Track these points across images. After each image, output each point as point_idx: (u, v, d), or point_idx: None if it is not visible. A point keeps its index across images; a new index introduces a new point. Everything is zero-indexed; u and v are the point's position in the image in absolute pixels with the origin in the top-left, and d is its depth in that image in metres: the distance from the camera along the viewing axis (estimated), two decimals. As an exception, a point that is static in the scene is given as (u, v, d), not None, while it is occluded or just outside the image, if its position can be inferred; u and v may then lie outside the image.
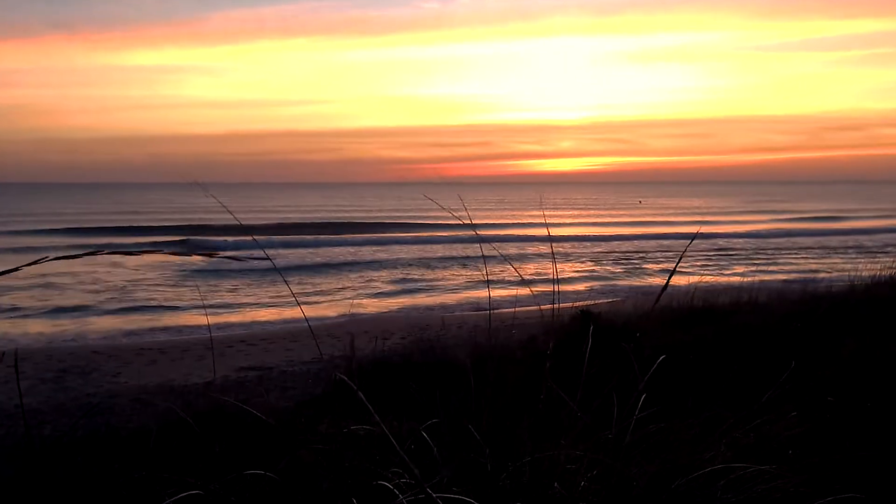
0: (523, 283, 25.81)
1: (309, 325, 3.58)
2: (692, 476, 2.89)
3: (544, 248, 37.90)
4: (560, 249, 38.40)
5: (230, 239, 39.82)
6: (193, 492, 2.84)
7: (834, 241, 44.89)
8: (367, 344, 8.28)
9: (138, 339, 17.05)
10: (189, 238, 43.01)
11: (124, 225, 53.46)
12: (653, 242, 44.42)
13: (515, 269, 27.50)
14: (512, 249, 39.09)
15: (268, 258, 2.86)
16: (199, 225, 51.32)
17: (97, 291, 23.97)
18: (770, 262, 34.22)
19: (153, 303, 22.08)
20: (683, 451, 3.12)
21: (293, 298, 21.92)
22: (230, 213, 3.22)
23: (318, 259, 34.99)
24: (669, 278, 3.26)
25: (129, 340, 16.80)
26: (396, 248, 40.87)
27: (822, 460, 3.37)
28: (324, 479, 3.11)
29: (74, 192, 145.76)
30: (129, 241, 42.26)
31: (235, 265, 31.61)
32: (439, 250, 39.23)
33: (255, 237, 3.76)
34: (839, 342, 6.36)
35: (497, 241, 42.54)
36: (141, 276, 27.49)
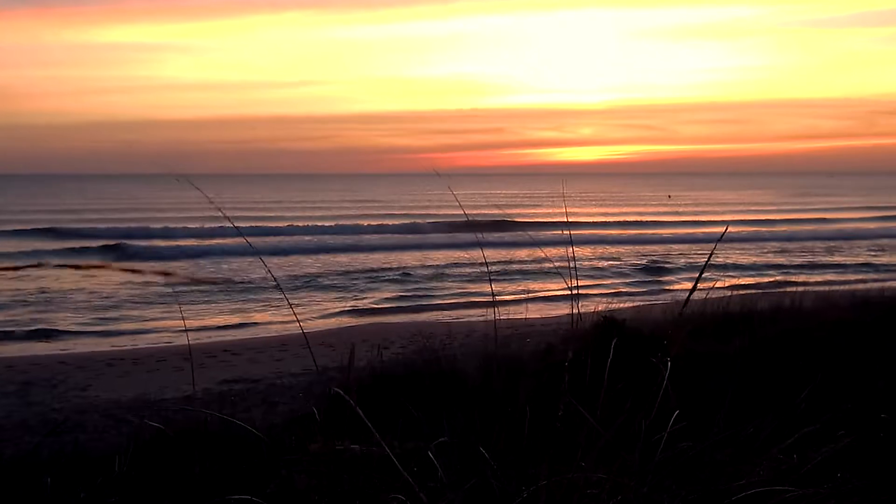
0: (539, 286, 25.83)
1: (303, 332, 3.59)
2: (728, 501, 2.89)
3: (563, 247, 37.68)
4: (579, 249, 38.34)
5: (181, 243, 38.89)
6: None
7: (889, 241, 44.72)
8: (366, 354, 8.29)
9: (109, 347, 17.10)
10: (123, 242, 39.59)
11: (59, 226, 48.87)
12: (684, 241, 44.35)
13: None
14: (526, 249, 39.06)
15: (259, 258, 2.87)
16: (141, 228, 48.36)
17: (57, 297, 24.05)
18: (815, 262, 34.15)
19: (124, 309, 22.15)
20: (718, 473, 3.12)
21: (281, 302, 21.96)
22: (219, 209, 3.24)
23: (310, 258, 35.04)
24: (697, 282, 3.26)
25: (98, 349, 16.84)
26: (397, 246, 40.86)
27: (874, 484, 3.37)
28: (317, 505, 3.12)
29: (33, 184, 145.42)
30: (58, 246, 39.43)
31: (217, 267, 31.67)
32: (444, 248, 39.22)
33: (247, 239, 3.77)
34: (893, 352, 6.34)
35: (509, 238, 42.54)
36: (105, 281, 27.55)
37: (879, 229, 51.17)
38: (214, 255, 34.85)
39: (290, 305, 3.62)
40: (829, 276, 29.54)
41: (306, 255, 36.16)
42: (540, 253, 36.76)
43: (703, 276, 3.40)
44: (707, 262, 3.36)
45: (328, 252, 37.75)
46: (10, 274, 28.75)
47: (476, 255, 33.10)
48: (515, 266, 31.32)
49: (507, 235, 41.84)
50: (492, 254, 32.35)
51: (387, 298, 24.54)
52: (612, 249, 39.76)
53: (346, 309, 22.47)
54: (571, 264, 3.76)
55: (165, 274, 29.40)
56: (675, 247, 42.05)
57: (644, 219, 60.64)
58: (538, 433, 3.17)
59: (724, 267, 31.29)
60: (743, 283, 24.43)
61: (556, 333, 8.74)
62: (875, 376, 5.59)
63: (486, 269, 28.86)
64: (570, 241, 4.10)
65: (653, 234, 49.22)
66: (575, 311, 4.07)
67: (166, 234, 44.63)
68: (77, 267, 29.84)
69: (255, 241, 39.39)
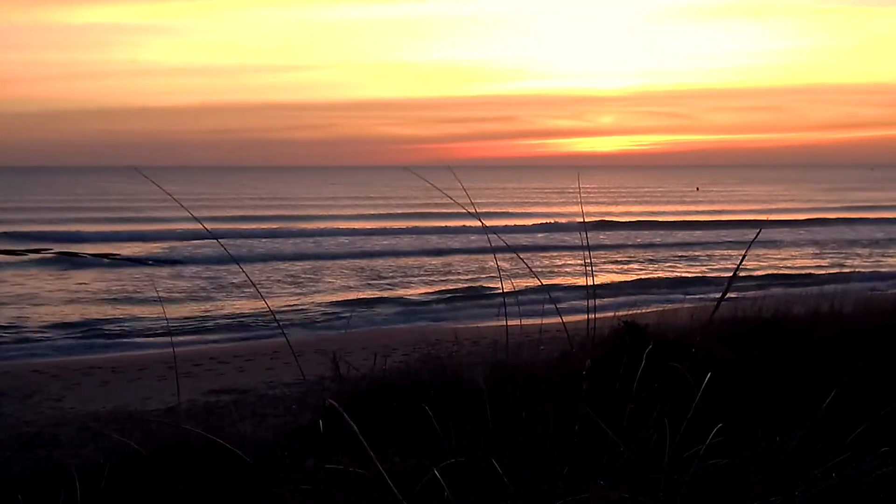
0: (554, 287, 25.82)
1: (288, 341, 3.59)
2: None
3: (580, 244, 37.66)
4: (600, 249, 38.31)
5: (163, 245, 38.34)
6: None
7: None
8: (364, 362, 8.30)
9: (86, 355, 17.13)
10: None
11: (18, 230, 46.01)
12: (712, 238, 44.30)
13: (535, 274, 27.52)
14: (541, 247, 39.06)
15: (236, 260, 2.86)
16: (116, 230, 47.70)
17: (26, 299, 24.10)
18: (856, 263, 34.06)
19: (100, 313, 22.19)
20: (750, 493, 3.11)
21: (273, 307, 21.98)
22: (188, 210, 3.23)
23: (304, 259, 35.04)
24: (729, 284, 3.24)
25: (75, 357, 16.88)
26: (399, 244, 40.89)
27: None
28: (311, 526, 3.12)
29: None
30: (23, 247, 38.07)
31: (205, 268, 31.71)
32: (452, 247, 39.23)
33: (220, 240, 3.75)
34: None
35: (523, 236, 42.54)
36: (80, 285, 27.60)
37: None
38: (200, 257, 34.89)
39: (273, 312, 3.60)
40: (873, 272, 29.55)
41: (302, 260, 36.12)
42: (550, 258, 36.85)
43: (733, 279, 3.39)
44: (739, 265, 3.35)
45: (323, 254, 37.76)
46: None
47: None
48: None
49: (523, 238, 41.88)
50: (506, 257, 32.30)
51: (388, 303, 24.57)
52: (639, 253, 39.69)
53: (346, 314, 22.48)
54: (585, 265, 3.76)
55: (146, 277, 29.42)
56: (702, 239, 42.07)
57: (674, 219, 59.88)
58: (554, 448, 3.17)
59: (756, 264, 31.25)
60: (776, 285, 24.40)
61: (572, 340, 8.73)
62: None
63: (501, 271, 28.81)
64: (588, 243, 4.09)
65: (683, 233, 49.15)
66: (592, 315, 4.06)
67: (146, 236, 44.34)
68: (47, 269, 29.87)
69: (248, 243, 39.43)
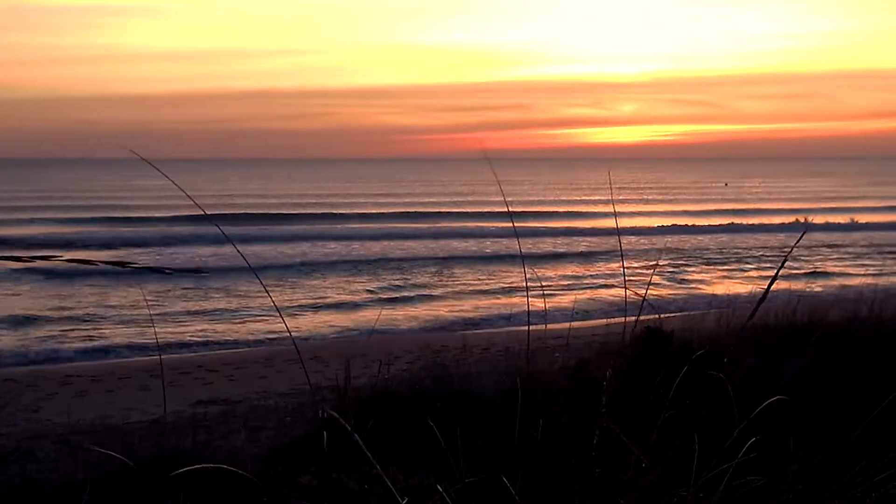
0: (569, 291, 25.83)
1: (297, 347, 3.60)
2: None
3: (595, 246, 37.84)
4: (606, 252, 38.33)
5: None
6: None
7: None
8: (364, 370, 8.32)
9: (63, 363, 17.17)
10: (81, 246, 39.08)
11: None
12: (741, 238, 44.29)
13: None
14: (551, 246, 39.10)
15: (248, 263, 2.87)
16: (100, 230, 47.29)
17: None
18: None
19: (81, 315, 22.25)
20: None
21: (265, 311, 22.02)
22: (201, 208, 3.25)
23: (300, 260, 35.08)
24: (769, 288, 3.24)
25: (51, 365, 16.92)
26: (404, 243, 40.91)
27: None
28: (308, 548, 3.12)
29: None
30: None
31: (192, 265, 31.76)
32: (460, 246, 39.27)
33: (237, 247, 3.77)
34: None
35: (534, 235, 42.57)
36: (60, 287, 27.69)
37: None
38: (188, 252, 34.95)
39: (280, 313, 3.60)
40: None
41: (297, 260, 36.18)
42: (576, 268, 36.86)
43: (773, 282, 3.39)
44: (779, 269, 3.35)
45: (320, 254, 37.84)
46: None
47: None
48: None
49: (527, 241, 41.91)
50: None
51: (390, 307, 24.61)
52: (660, 248, 39.67)
53: (345, 317, 22.53)
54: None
55: (131, 281, 29.50)
56: (730, 239, 42.05)
57: (699, 221, 59.37)
58: (571, 465, 3.17)
59: (791, 265, 31.19)
60: (812, 287, 24.38)
61: (589, 347, 8.73)
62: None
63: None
64: (621, 250, 4.09)
65: (708, 228, 49.11)
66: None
67: (128, 239, 43.97)
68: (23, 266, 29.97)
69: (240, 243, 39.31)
